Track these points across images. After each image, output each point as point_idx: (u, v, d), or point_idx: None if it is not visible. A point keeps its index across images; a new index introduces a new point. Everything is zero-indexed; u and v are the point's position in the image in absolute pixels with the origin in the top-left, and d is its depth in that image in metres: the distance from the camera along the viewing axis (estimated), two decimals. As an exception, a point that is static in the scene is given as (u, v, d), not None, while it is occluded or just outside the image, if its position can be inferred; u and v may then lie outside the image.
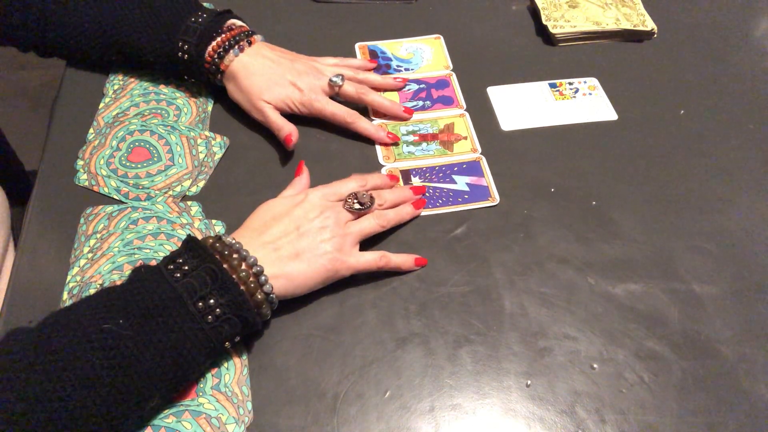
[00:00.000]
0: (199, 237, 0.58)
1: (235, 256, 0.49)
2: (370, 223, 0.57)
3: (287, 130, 0.65)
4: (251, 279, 0.48)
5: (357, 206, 0.57)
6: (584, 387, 0.51)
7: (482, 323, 0.55)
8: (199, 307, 0.46)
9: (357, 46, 0.81)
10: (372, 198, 0.58)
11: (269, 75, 0.66)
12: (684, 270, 0.60)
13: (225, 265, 0.48)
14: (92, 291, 0.54)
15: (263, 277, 0.49)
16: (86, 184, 0.62)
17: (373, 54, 0.79)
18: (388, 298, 0.56)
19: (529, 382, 0.52)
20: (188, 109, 0.69)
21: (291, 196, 0.57)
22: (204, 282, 0.46)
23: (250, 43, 0.67)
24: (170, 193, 0.62)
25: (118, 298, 0.45)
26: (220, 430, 0.47)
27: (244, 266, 0.48)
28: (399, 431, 0.49)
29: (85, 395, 0.41)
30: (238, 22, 0.69)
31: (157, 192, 0.62)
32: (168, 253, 0.50)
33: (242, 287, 0.48)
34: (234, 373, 0.50)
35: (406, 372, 0.52)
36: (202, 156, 0.65)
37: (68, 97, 0.71)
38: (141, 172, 0.63)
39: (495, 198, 0.64)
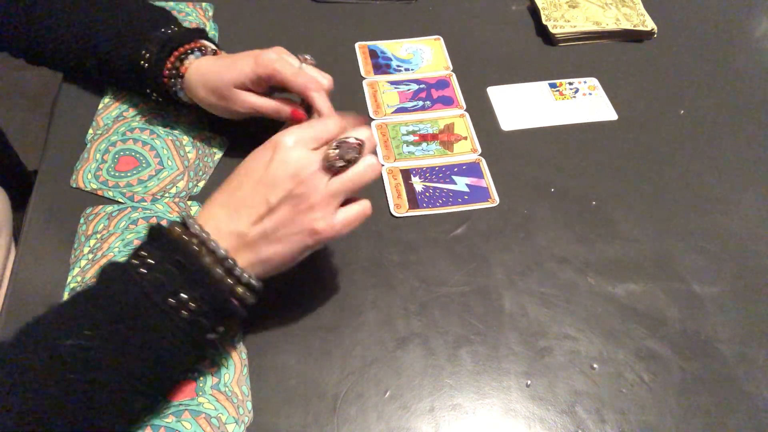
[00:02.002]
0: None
1: (203, 249, 0.45)
2: (351, 179, 0.48)
3: (287, 108, 0.60)
4: (226, 275, 0.45)
5: (340, 164, 0.47)
6: (584, 387, 0.51)
7: (482, 323, 0.55)
8: (171, 303, 0.43)
9: (357, 46, 0.81)
10: (359, 149, 0.48)
11: (230, 58, 0.61)
12: (684, 270, 0.60)
13: (192, 253, 0.44)
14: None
15: (238, 270, 0.46)
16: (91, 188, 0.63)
17: (373, 54, 0.79)
18: (388, 298, 0.56)
19: (529, 382, 0.52)
20: (188, 108, 0.69)
21: (262, 151, 0.48)
22: (172, 276, 0.43)
23: (215, 53, 0.64)
24: (167, 195, 0.62)
25: (84, 303, 0.43)
26: (220, 430, 0.47)
27: (215, 260, 0.45)
28: (399, 431, 0.49)
29: (62, 413, 0.40)
30: (209, 43, 0.65)
31: (151, 196, 0.62)
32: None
33: (216, 275, 0.45)
34: (234, 372, 0.50)
35: (406, 372, 0.52)
36: (191, 156, 0.65)
37: (68, 97, 0.71)
38: (132, 179, 0.63)
39: (495, 200, 0.64)
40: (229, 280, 0.45)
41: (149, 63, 0.62)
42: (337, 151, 0.47)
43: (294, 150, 0.47)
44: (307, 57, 0.62)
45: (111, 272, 0.44)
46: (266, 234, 0.47)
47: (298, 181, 0.46)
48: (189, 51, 0.63)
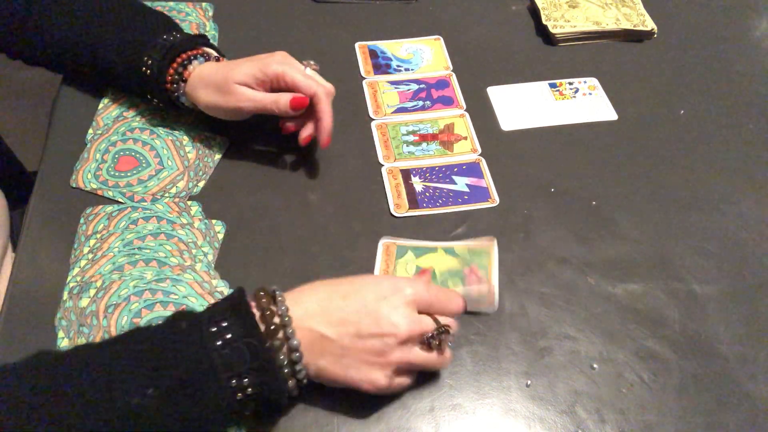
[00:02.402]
0: (200, 238, 0.58)
1: (280, 334, 0.44)
2: (429, 361, 0.49)
3: (284, 97, 0.60)
4: (287, 364, 0.45)
5: (435, 344, 0.48)
6: (584, 387, 0.51)
7: (482, 323, 0.55)
8: (232, 384, 0.42)
9: (357, 45, 0.81)
10: (449, 338, 0.49)
11: (235, 61, 0.63)
12: (684, 270, 0.60)
13: (268, 342, 0.44)
14: (92, 291, 0.54)
15: (299, 366, 0.45)
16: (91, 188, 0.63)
17: (373, 54, 0.79)
18: (388, 298, 0.56)
19: (529, 382, 0.52)
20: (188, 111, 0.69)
21: (389, 287, 0.48)
22: (243, 357, 0.43)
23: (217, 60, 0.65)
24: (167, 195, 0.62)
25: (153, 356, 0.42)
26: (220, 430, 0.47)
27: (285, 348, 0.44)
28: (399, 431, 0.49)
29: None
30: (211, 50, 0.66)
31: (151, 196, 0.62)
32: (201, 302, 0.49)
33: (282, 369, 0.44)
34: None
35: (406, 372, 0.52)
36: (191, 156, 0.65)
37: (68, 97, 0.71)
38: (132, 179, 0.63)
39: (495, 200, 0.64)
40: (289, 379, 0.45)
41: (151, 70, 0.62)
42: (439, 338, 0.48)
43: (408, 305, 0.47)
44: (311, 62, 0.63)
45: (187, 331, 0.43)
46: (338, 352, 0.46)
47: (393, 333, 0.46)
48: (193, 57, 0.63)
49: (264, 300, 0.46)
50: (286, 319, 0.45)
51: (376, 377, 0.46)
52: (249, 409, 0.45)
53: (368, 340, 0.46)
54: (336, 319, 0.46)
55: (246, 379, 0.43)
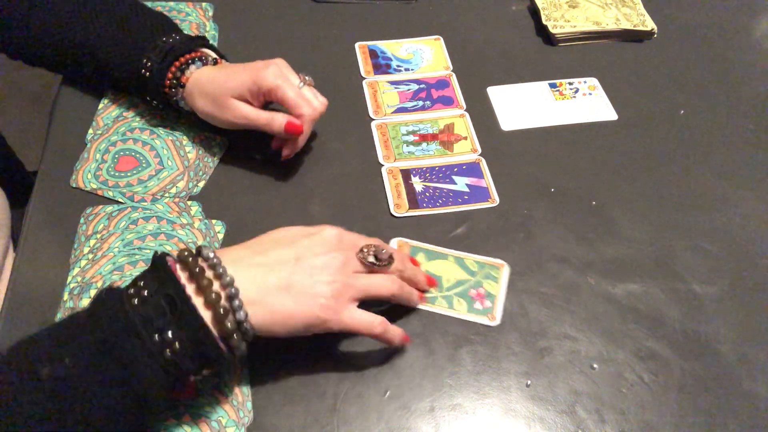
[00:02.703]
0: (200, 238, 0.58)
1: (208, 273, 0.43)
2: (381, 283, 0.50)
3: (279, 119, 0.60)
4: (222, 302, 0.43)
5: (372, 259, 0.50)
6: (584, 387, 0.51)
7: (482, 323, 0.55)
8: (155, 339, 0.40)
9: (357, 46, 0.81)
10: (392, 258, 0.51)
11: (231, 69, 0.63)
12: (684, 270, 0.60)
13: (189, 289, 0.42)
14: (93, 292, 0.54)
15: (237, 302, 0.43)
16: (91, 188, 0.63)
17: (373, 54, 0.79)
18: (388, 298, 0.56)
19: (529, 382, 0.52)
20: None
21: (306, 227, 0.51)
22: (161, 311, 0.41)
23: (215, 63, 0.64)
24: (167, 195, 0.62)
25: (73, 328, 0.41)
26: None
27: (216, 286, 0.43)
28: (399, 431, 0.49)
29: None
30: (210, 52, 0.66)
31: (151, 196, 0.62)
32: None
33: (209, 313, 0.42)
34: (234, 373, 0.50)
35: (406, 372, 0.52)
36: (191, 156, 0.65)
37: (68, 97, 0.71)
38: (132, 179, 0.63)
39: (495, 200, 0.64)
40: (225, 320, 0.43)
41: (150, 72, 0.62)
42: (373, 248, 0.51)
43: (336, 235, 0.50)
44: (307, 78, 0.63)
45: (106, 297, 0.42)
46: (285, 282, 0.46)
47: (332, 255, 0.49)
48: (190, 60, 0.63)
49: (186, 253, 0.44)
50: (215, 260, 0.44)
51: (325, 300, 0.47)
52: (187, 369, 0.42)
53: (314, 271, 0.47)
54: (273, 253, 0.48)
55: (169, 334, 0.41)
